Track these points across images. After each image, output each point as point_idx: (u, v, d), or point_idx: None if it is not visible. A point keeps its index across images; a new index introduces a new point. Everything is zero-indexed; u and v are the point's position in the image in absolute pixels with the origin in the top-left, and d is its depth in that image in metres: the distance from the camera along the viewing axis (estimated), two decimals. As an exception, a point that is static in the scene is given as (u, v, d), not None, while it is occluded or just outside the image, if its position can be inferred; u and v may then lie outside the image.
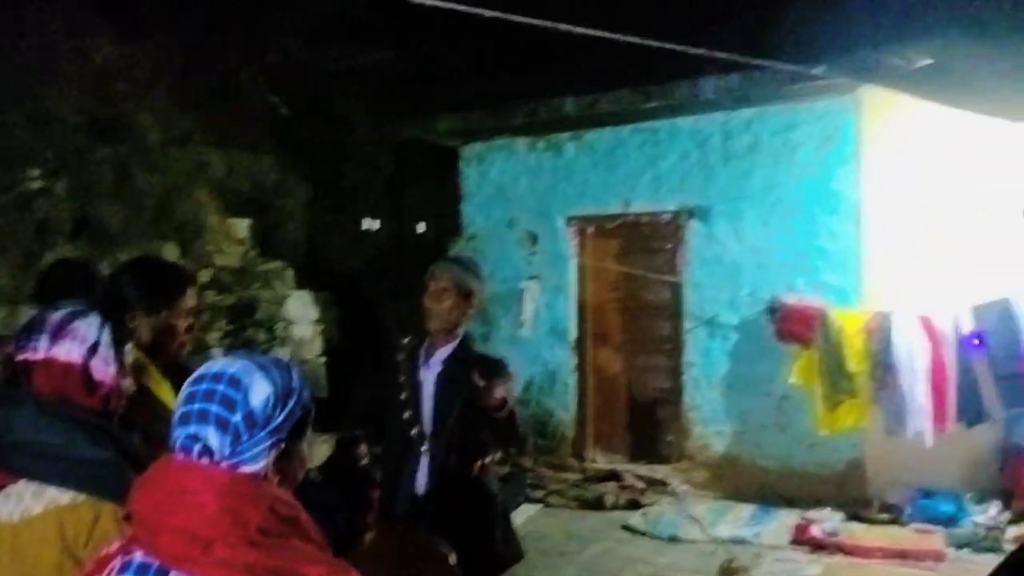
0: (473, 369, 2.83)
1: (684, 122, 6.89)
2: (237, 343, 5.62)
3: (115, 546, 1.32)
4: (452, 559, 2.41)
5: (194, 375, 1.35)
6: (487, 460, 2.98)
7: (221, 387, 1.30)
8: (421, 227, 7.51)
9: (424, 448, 2.87)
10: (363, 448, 5.57)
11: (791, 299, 6.22)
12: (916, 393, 5.49)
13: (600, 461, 7.37)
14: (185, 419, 1.29)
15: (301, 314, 6.45)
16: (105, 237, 4.92)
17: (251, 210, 6.85)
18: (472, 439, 2.89)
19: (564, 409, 7.44)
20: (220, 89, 7.26)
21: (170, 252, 5.29)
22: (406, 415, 2.89)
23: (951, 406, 5.51)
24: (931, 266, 5.83)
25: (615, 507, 6.59)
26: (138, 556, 1.25)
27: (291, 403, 1.34)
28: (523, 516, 6.45)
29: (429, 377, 2.93)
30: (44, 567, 1.63)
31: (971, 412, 5.47)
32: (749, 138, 6.64)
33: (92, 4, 6.01)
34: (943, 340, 5.53)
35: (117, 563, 1.27)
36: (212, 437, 1.27)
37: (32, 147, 4.77)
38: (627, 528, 6.12)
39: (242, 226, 6.38)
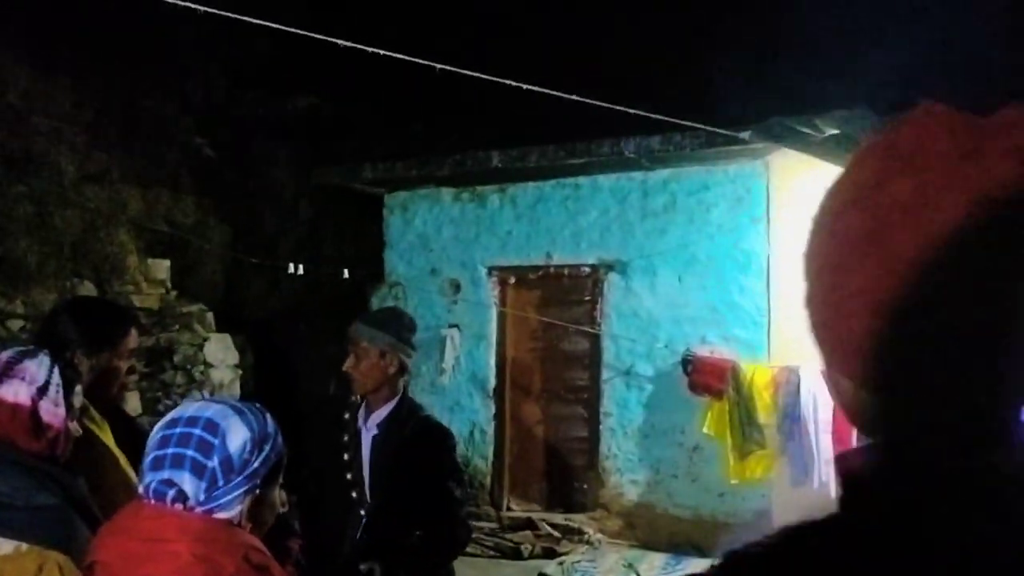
0: (413, 434, 2.75)
1: (606, 179, 7.13)
2: (155, 385, 5.47)
3: None
4: None
5: (166, 418, 1.35)
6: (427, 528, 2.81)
7: (197, 431, 1.29)
8: (344, 273, 7.49)
9: (362, 511, 2.76)
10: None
11: (703, 352, 6.45)
12: (822, 445, 5.74)
13: (516, 509, 7.41)
14: (158, 464, 1.27)
15: (220, 358, 6.33)
16: (21, 275, 4.77)
17: (169, 250, 6.73)
18: (411, 504, 2.72)
19: (482, 457, 7.47)
20: (140, 127, 7.16)
21: (87, 292, 5.14)
22: (348, 476, 2.79)
23: (852, 457, 5.78)
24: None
25: (532, 556, 6.62)
26: None
27: (267, 448, 1.35)
28: (440, 565, 6.41)
29: (367, 439, 2.81)
30: None
31: (872, 463, 5.74)
32: (666, 197, 6.92)
33: (8, 37, 5.89)
34: (845, 394, 5.81)
35: None
36: (187, 482, 1.26)
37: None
38: (544, 576, 6.16)
39: (162, 267, 6.26)
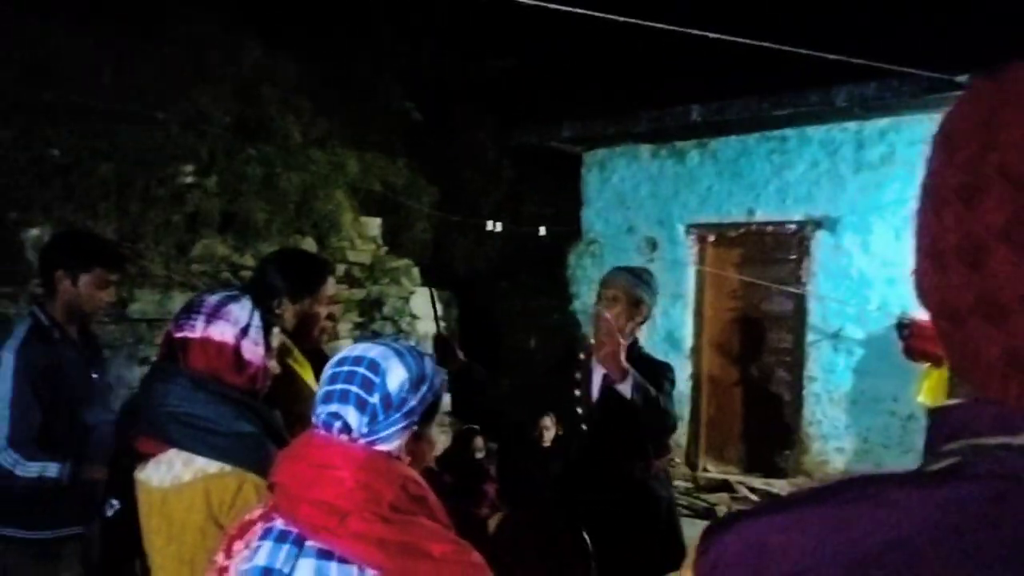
0: (639, 369, 2.89)
1: (815, 131, 6.74)
2: (366, 335, 5.87)
3: (257, 513, 1.43)
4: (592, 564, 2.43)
5: (336, 357, 1.45)
6: (653, 463, 3.03)
7: (361, 370, 1.39)
8: (542, 231, 7.62)
9: (587, 442, 2.95)
10: (479, 441, 5.72)
11: (922, 316, 5.98)
12: (1056, 418, 5.19)
13: (712, 471, 7.30)
14: (327, 398, 1.39)
15: (426, 310, 6.68)
16: (250, 231, 5.25)
17: (382, 210, 7.14)
18: (636, 443, 2.94)
19: (677, 417, 7.38)
20: (357, 94, 7.62)
21: (308, 247, 5.59)
22: (579, 411, 2.98)
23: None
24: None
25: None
26: (279, 524, 1.35)
27: (424, 389, 1.42)
28: (633, 521, 6.47)
29: (597, 381, 3.00)
30: (190, 531, 1.76)
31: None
32: (883, 148, 6.44)
33: (241, 13, 6.44)
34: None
35: (259, 529, 1.37)
36: (351, 415, 1.36)
37: (186, 145, 5.15)
38: (739, 539, 6.04)
39: (374, 224, 6.66)
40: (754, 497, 6.77)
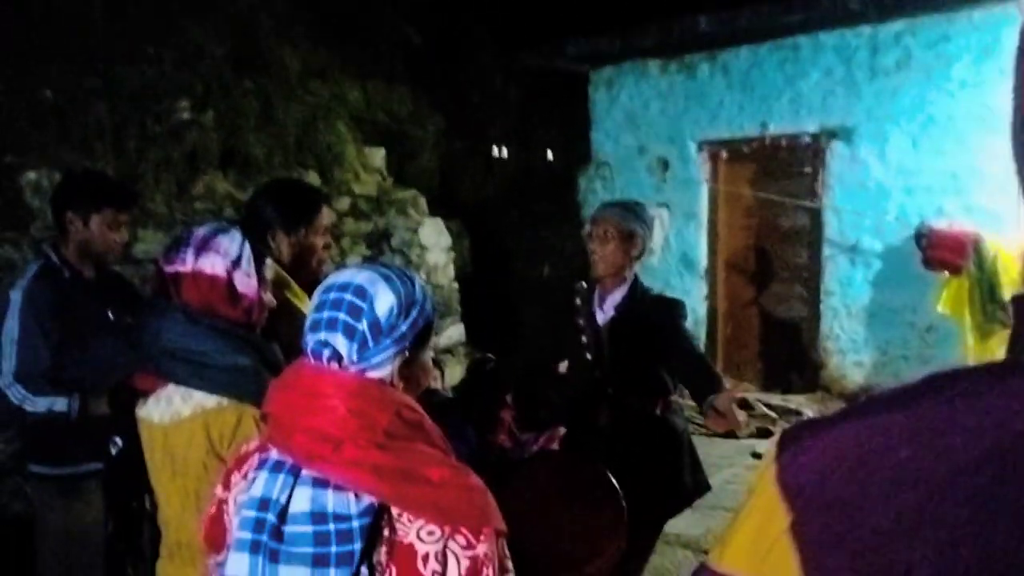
0: (650, 311, 2.86)
1: (828, 37, 6.52)
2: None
3: (253, 445, 1.41)
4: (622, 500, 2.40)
5: (323, 284, 1.40)
6: (670, 398, 2.97)
7: (348, 296, 1.34)
8: (549, 155, 7.48)
9: (609, 390, 2.87)
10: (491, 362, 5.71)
11: (941, 224, 5.86)
12: (1078, 323, 5.11)
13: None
14: (315, 326, 1.34)
15: (434, 241, 6.62)
16: (251, 166, 5.18)
17: (386, 140, 7.02)
18: (652, 379, 2.88)
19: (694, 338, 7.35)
20: (355, 21, 7.42)
21: (311, 181, 5.51)
22: (588, 357, 2.90)
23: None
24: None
25: (746, 435, 6.52)
26: (274, 454, 1.32)
27: (414, 313, 1.37)
28: (652, 441, 6.50)
29: (604, 320, 2.92)
30: (192, 465, 1.76)
31: None
32: (899, 52, 6.22)
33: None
34: (1112, 267, 5.10)
35: (254, 460, 1.35)
36: (340, 343, 1.31)
37: (181, 80, 5.04)
38: (757, 455, 6.07)
39: (378, 155, 6.55)
40: (772, 414, 6.77)
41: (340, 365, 1.32)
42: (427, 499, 1.25)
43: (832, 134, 6.59)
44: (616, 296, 2.91)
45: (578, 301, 2.99)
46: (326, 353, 1.32)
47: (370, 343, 1.32)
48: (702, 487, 3.01)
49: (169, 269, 1.82)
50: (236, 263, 1.83)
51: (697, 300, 7.34)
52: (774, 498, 0.62)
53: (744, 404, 6.95)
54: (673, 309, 2.93)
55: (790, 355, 7.11)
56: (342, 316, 1.32)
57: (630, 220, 2.87)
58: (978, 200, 5.93)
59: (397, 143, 7.37)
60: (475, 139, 8.10)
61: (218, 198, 4.93)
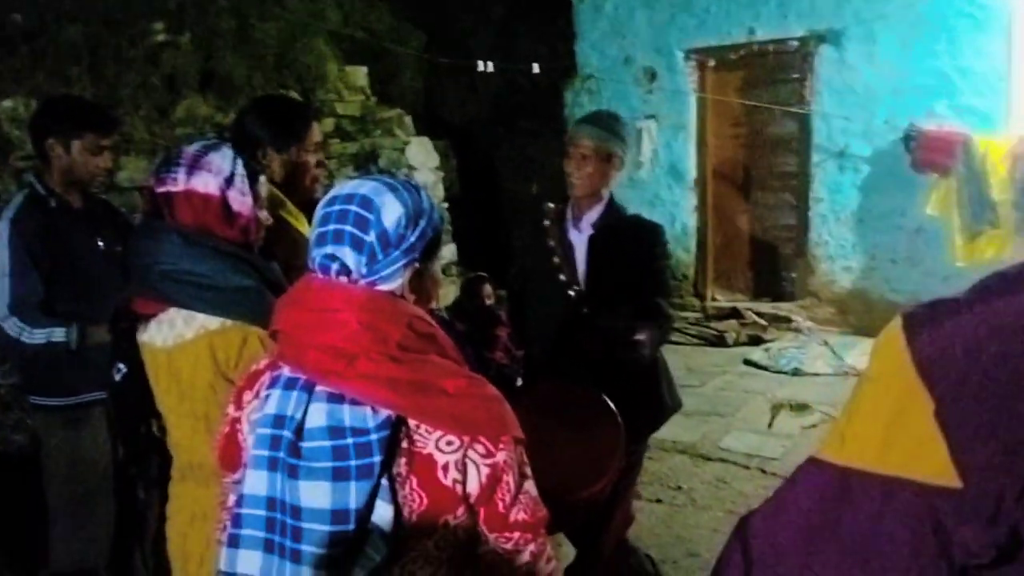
0: (629, 230, 2.82)
1: (815, -63, 6.35)
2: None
3: (263, 363, 1.39)
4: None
5: (326, 197, 1.36)
6: (645, 323, 2.89)
7: (354, 207, 1.30)
8: (535, 68, 7.33)
9: (584, 310, 2.82)
10: (488, 288, 5.73)
11: (930, 126, 5.84)
12: (1066, 221, 5.14)
13: (721, 300, 7.35)
14: (321, 240, 1.30)
15: (422, 160, 6.53)
16: (231, 88, 5.05)
17: (367, 58, 6.85)
18: (628, 297, 2.82)
19: (684, 250, 7.37)
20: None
21: (293, 101, 5.39)
22: (561, 278, 2.84)
23: (1105, 234, 5.15)
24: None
25: (737, 343, 6.62)
26: (286, 371, 1.30)
27: (422, 223, 1.34)
28: (644, 353, 6.57)
29: (580, 240, 2.86)
30: (199, 388, 1.75)
31: None
32: (889, -51, 6.07)
33: None
34: (1101, 163, 5.11)
35: (266, 378, 1.34)
36: (348, 256, 1.28)
37: (155, 1, 4.88)
38: (748, 363, 6.16)
39: (360, 74, 6.39)
40: (762, 322, 6.85)
41: (349, 279, 1.30)
42: (444, 410, 1.26)
43: (820, 38, 6.48)
44: (592, 215, 2.85)
45: (547, 222, 2.92)
46: (334, 267, 1.29)
47: (379, 255, 1.30)
48: (678, 403, 3.03)
49: (160, 189, 1.77)
50: (230, 181, 1.78)
51: (686, 211, 7.34)
52: (912, 385, 0.60)
53: (735, 313, 7.02)
54: (651, 237, 2.89)
55: (780, 263, 7.15)
56: (348, 228, 1.29)
57: (608, 140, 2.80)
58: (968, 100, 5.88)
59: (378, 62, 7.19)
60: (458, 55, 7.92)
61: (199, 122, 4.82)
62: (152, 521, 2.49)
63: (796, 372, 5.83)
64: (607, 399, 2.44)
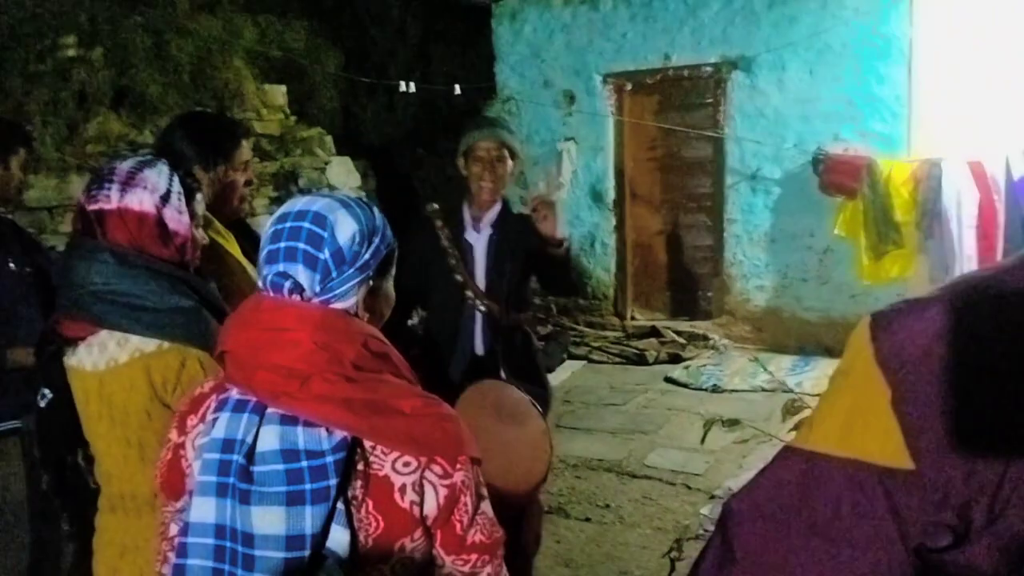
0: (523, 228, 2.85)
1: (727, -35, 6.58)
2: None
3: (208, 386, 1.34)
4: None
5: (277, 213, 1.32)
6: (531, 312, 3.09)
7: (307, 224, 1.27)
8: (456, 90, 7.35)
9: (482, 308, 2.87)
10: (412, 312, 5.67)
11: (837, 150, 6.10)
12: (965, 241, 5.43)
13: (640, 319, 7.48)
14: (272, 257, 1.27)
15: (343, 180, 6.46)
16: (145, 106, 4.89)
17: (283, 77, 6.75)
18: (522, 295, 2.95)
19: (604, 269, 7.49)
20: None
21: (210, 120, 5.26)
22: (458, 279, 2.88)
23: (998, 253, 5.45)
24: (984, 110, 5.62)
25: (657, 361, 6.73)
26: (234, 394, 1.26)
27: (376, 240, 1.32)
28: (568, 371, 6.63)
29: (480, 240, 2.92)
30: (133, 413, 1.67)
31: (1019, 258, 5.39)
32: (796, -19, 6.34)
33: None
34: (993, 186, 5.41)
35: (212, 402, 1.29)
36: (302, 274, 1.25)
37: (65, 14, 4.69)
38: (669, 380, 6.27)
39: (279, 93, 6.30)
40: (681, 340, 7.00)
41: (302, 297, 1.26)
42: (401, 430, 1.23)
43: (733, 64, 6.71)
44: (492, 215, 2.93)
45: (439, 223, 2.95)
46: (287, 285, 1.26)
47: (333, 272, 1.27)
48: (551, 397, 3.14)
49: (92, 207, 1.69)
50: (166, 198, 1.71)
51: (606, 232, 7.46)
52: (872, 376, 0.65)
53: (654, 332, 7.15)
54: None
55: (696, 283, 7.33)
56: (302, 246, 1.26)
57: (511, 140, 2.93)
58: (872, 125, 6.17)
59: (295, 81, 7.10)
60: (376, 75, 7.88)
61: (112, 139, 4.66)
62: (69, 556, 2.37)
63: (715, 389, 5.96)
64: (526, 395, 2.46)
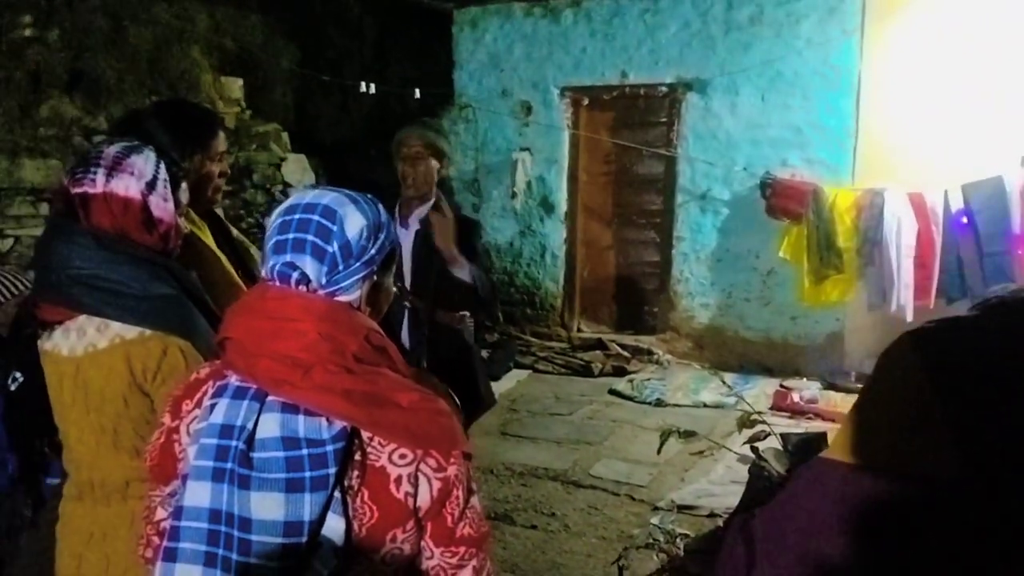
0: (462, 230, 2.94)
1: (686, -9, 6.73)
2: (236, 203, 5.56)
3: (204, 371, 1.35)
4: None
5: (284, 205, 1.34)
6: (463, 313, 3.09)
7: (316, 217, 1.29)
8: (416, 94, 7.34)
9: (407, 303, 2.93)
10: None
11: (784, 175, 6.27)
12: (903, 269, 5.63)
13: (587, 331, 7.56)
14: (280, 248, 1.28)
15: (298, 178, 6.40)
16: (100, 90, 4.78)
17: (237, 70, 6.66)
18: (451, 293, 2.98)
19: (552, 281, 7.56)
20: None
21: (166, 109, 5.16)
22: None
23: (935, 282, 5.66)
24: (926, 144, 5.86)
25: (602, 373, 6.81)
26: (234, 380, 1.27)
27: (382, 236, 1.35)
28: (514, 380, 6.67)
29: (407, 236, 2.99)
30: (110, 400, 1.65)
31: (954, 289, 5.61)
32: (752, 8, 6.52)
33: None
34: (932, 217, 5.63)
35: (210, 387, 1.29)
36: (309, 266, 1.27)
37: (20, -7, 4.57)
38: (614, 392, 6.36)
39: (235, 85, 6.21)
40: (626, 354, 7.09)
41: (308, 288, 1.28)
42: (399, 423, 1.25)
43: (688, 86, 6.86)
44: (422, 211, 3.02)
45: None
46: (294, 276, 1.27)
47: (340, 266, 1.29)
48: (492, 400, 3.21)
49: (77, 190, 1.66)
50: (152, 185, 1.70)
51: (557, 244, 7.53)
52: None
53: (600, 344, 7.24)
54: (471, 228, 3.12)
55: (643, 298, 7.45)
56: (311, 238, 1.28)
57: (436, 139, 3.04)
58: (818, 153, 6.38)
59: (248, 74, 7.00)
60: (331, 74, 7.82)
61: (65, 123, 4.53)
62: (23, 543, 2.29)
63: (659, 403, 6.06)
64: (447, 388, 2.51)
